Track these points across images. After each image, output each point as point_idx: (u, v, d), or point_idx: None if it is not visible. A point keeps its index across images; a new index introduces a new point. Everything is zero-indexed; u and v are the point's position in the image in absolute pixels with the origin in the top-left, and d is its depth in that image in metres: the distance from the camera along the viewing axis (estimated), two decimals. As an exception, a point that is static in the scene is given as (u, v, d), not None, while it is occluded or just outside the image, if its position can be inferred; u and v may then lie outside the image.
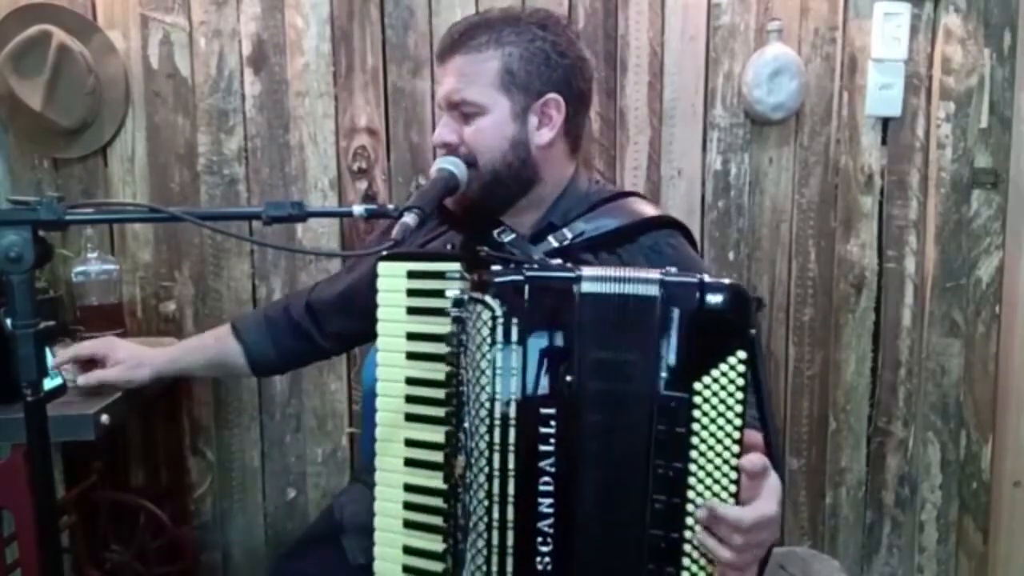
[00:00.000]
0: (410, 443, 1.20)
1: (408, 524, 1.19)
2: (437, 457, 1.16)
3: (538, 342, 1.05)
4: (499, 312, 1.04)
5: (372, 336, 1.29)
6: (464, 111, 1.31)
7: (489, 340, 1.04)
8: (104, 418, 1.48)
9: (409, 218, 1.12)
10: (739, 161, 2.21)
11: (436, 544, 1.16)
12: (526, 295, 1.05)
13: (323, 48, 2.12)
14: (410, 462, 1.20)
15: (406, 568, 1.19)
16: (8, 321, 1.01)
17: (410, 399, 1.20)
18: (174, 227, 2.13)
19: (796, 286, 2.27)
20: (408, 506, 1.19)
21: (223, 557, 2.26)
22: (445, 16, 2.10)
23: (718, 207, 2.23)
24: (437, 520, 1.16)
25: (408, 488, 1.20)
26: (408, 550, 1.19)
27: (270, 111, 2.13)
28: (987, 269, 2.29)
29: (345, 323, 1.54)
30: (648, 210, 1.39)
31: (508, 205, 1.36)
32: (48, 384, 1.33)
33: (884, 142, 2.25)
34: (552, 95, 1.31)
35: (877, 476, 2.36)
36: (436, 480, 1.16)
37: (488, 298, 1.04)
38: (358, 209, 1.14)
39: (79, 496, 1.95)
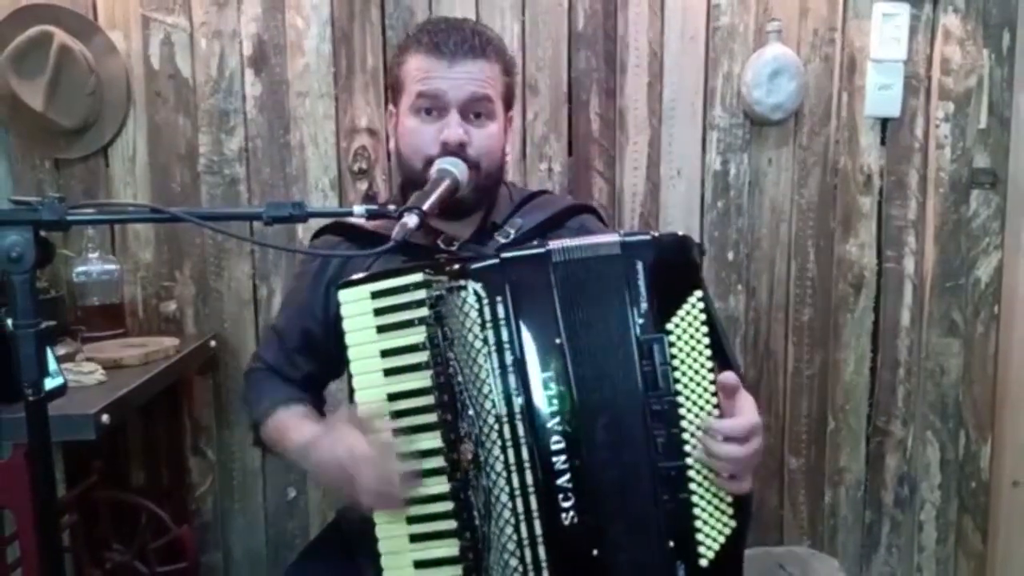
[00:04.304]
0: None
1: (415, 538, 1.19)
2: (435, 463, 1.17)
3: (524, 314, 1.13)
4: (484, 294, 1.13)
5: (334, 374, 1.44)
6: (479, 111, 1.37)
7: (479, 322, 1.12)
8: (105, 418, 1.48)
9: (410, 219, 1.13)
10: (738, 161, 2.22)
11: (449, 550, 1.16)
12: (505, 274, 1.14)
13: (324, 49, 2.12)
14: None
15: None
16: (9, 321, 1.00)
17: (396, 414, 1.19)
18: (175, 227, 2.13)
19: (795, 286, 2.28)
20: (412, 520, 1.19)
21: (224, 557, 2.26)
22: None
23: (717, 207, 2.23)
24: (447, 525, 1.16)
25: (410, 502, 1.19)
26: (420, 564, 1.18)
27: (271, 112, 2.14)
28: (986, 269, 2.29)
29: (312, 365, 1.50)
30: (565, 201, 1.59)
31: (482, 206, 1.44)
32: (49, 384, 1.33)
33: (883, 142, 2.25)
34: (511, 111, 1.47)
35: (876, 476, 2.36)
36: (439, 485, 1.16)
37: (471, 283, 1.13)
38: (359, 210, 1.14)
39: (80, 496, 1.96)
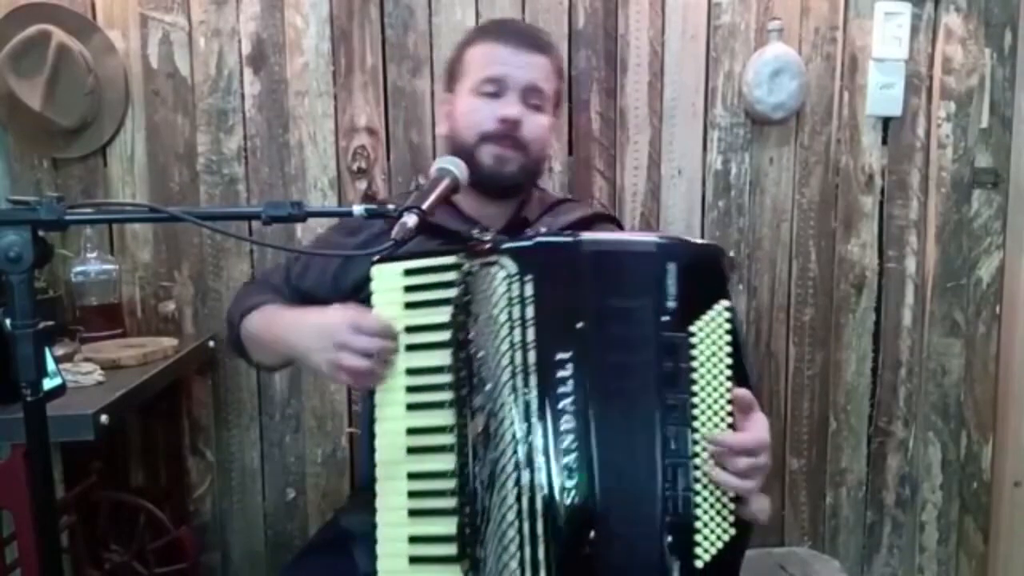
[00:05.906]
0: (412, 431, 1.21)
1: (413, 513, 1.20)
2: (444, 440, 1.18)
3: (550, 296, 1.15)
4: (513, 271, 1.15)
5: None
6: (535, 101, 1.46)
7: (506, 297, 1.15)
8: (104, 418, 1.48)
9: (409, 219, 1.13)
10: (739, 161, 2.21)
11: (448, 528, 1.17)
12: (536, 255, 1.16)
13: (323, 47, 2.11)
14: (414, 449, 1.21)
15: (413, 559, 1.19)
16: (7, 321, 1.00)
17: (411, 389, 1.21)
18: (173, 227, 2.12)
19: (796, 286, 2.27)
20: (413, 495, 1.20)
21: (223, 557, 2.26)
22: (445, 16, 2.10)
23: (718, 207, 2.23)
24: (448, 503, 1.17)
25: (412, 476, 1.20)
26: (414, 539, 1.19)
27: (269, 111, 2.13)
28: (988, 269, 2.29)
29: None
30: (591, 208, 1.70)
31: (520, 193, 1.53)
32: (47, 384, 1.33)
33: (885, 142, 2.25)
34: (559, 113, 1.57)
35: (878, 476, 2.36)
36: (444, 462, 1.18)
37: (503, 259, 1.15)
38: (358, 209, 1.14)
39: (79, 496, 1.95)
